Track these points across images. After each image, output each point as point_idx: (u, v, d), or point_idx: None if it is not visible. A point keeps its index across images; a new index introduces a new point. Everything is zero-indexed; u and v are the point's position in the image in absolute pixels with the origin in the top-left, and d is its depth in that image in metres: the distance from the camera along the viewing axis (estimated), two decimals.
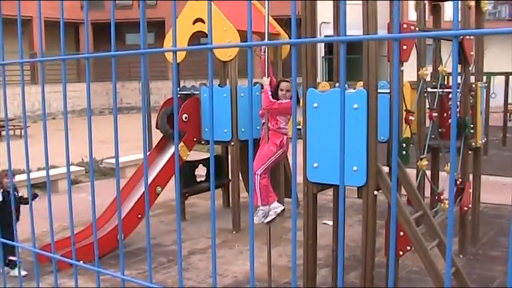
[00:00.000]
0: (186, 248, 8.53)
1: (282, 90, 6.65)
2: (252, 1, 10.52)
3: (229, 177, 10.27)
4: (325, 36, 28.84)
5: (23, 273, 6.78)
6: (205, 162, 10.66)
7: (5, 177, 7.28)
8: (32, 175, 11.31)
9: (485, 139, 9.66)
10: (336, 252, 6.37)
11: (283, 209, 6.78)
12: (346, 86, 5.83)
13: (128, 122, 16.92)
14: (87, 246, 7.91)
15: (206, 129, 9.65)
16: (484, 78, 9.45)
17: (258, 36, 9.37)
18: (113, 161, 14.09)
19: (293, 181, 1.68)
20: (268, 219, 6.70)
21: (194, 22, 9.60)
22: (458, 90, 7.73)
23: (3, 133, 22.17)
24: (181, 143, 9.31)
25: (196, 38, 9.83)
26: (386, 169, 5.90)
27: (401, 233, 6.00)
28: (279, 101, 6.57)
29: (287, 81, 6.82)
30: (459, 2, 7.62)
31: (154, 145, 10.21)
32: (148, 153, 9.96)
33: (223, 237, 9.07)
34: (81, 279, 6.59)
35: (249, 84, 1.68)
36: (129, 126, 13.28)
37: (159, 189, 9.12)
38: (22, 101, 2.56)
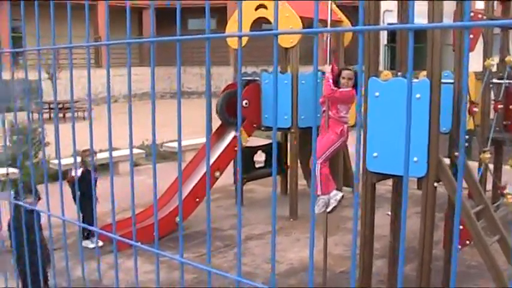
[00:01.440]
0: (243, 233, 8.59)
1: (343, 78, 6.59)
2: None
3: (288, 164, 10.27)
4: (388, 24, 28.43)
5: (100, 243, 7.30)
6: (264, 148, 10.68)
7: (86, 156, 7.92)
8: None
9: None
10: (393, 243, 6.31)
11: (343, 196, 6.73)
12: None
13: (189, 106, 17.09)
14: (145, 228, 8.05)
15: (266, 116, 9.66)
16: None
17: (320, 23, 9.30)
18: (173, 144, 14.27)
19: (356, 170, 1.67)
20: (330, 208, 6.67)
21: (257, 8, 9.61)
22: None
23: (68, 115, 22.72)
24: (241, 129, 9.35)
25: (258, 23, 9.83)
26: (447, 161, 5.80)
27: (461, 227, 5.89)
28: (340, 90, 6.51)
29: (349, 69, 6.75)
30: None
31: (214, 130, 10.29)
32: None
33: (281, 224, 9.09)
34: (139, 260, 6.72)
35: (314, 72, 1.67)
36: (190, 111, 13.41)
37: (217, 174, 9.19)
38: (88, 84, 2.61)
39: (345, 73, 6.63)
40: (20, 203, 3.18)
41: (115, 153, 12.49)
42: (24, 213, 3.22)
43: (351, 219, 8.35)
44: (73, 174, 7.47)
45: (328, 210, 6.67)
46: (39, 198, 4.88)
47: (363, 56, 1.56)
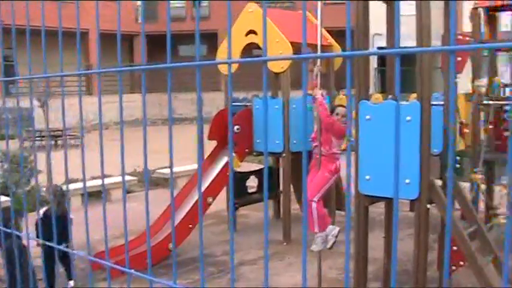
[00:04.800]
0: (237, 259, 8.55)
1: (337, 114, 6.62)
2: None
3: (280, 188, 10.27)
4: (378, 48, 28.65)
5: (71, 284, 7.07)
6: (256, 173, 10.68)
7: (57, 192, 7.19)
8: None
9: None
10: (387, 266, 6.30)
11: (339, 230, 6.74)
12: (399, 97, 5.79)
13: (180, 132, 17.05)
14: (138, 255, 8.00)
15: (258, 141, 9.68)
16: None
17: (310, 48, 9.37)
18: (166, 171, 14.25)
19: (347, 195, 1.68)
20: (330, 244, 6.69)
21: (247, 34, 9.67)
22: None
23: (59, 142, 22.68)
24: (233, 154, 9.36)
25: (249, 49, 9.89)
26: (439, 182, 5.82)
27: (455, 248, 5.90)
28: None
29: (344, 106, 6.78)
30: None
31: (206, 156, 10.29)
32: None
33: (274, 249, 9.06)
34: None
35: (303, 97, 1.69)
36: (181, 137, 13.39)
37: (210, 199, 9.18)
38: (80, 112, 2.62)
39: (339, 109, 6.66)
40: (9, 230, 3.16)
41: (107, 181, 12.45)
42: (14, 241, 3.20)
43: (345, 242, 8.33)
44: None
45: (328, 246, 6.69)
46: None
47: (351, 81, 1.58)
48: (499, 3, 7.94)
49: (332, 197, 9.67)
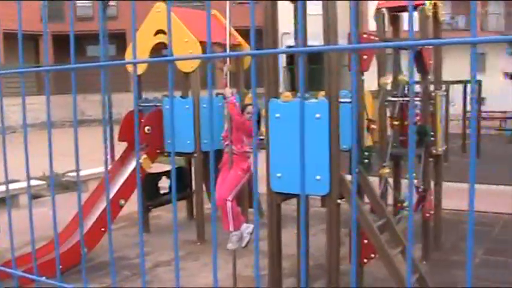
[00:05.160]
0: (151, 261, 8.46)
1: (248, 113, 6.68)
2: (213, 12, 10.54)
3: (193, 188, 10.24)
4: (287, 46, 29.00)
5: None
6: (168, 174, 10.60)
7: None
8: None
9: (446, 146, 9.80)
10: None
11: (253, 227, 6.80)
12: (308, 95, 5.88)
13: (91, 134, 16.75)
14: (50, 261, 7.78)
15: (169, 141, 9.60)
16: (443, 86, 9.60)
17: (220, 47, 9.38)
18: (75, 174, 13.89)
19: (255, 193, 1.69)
20: (245, 242, 6.74)
21: (156, 33, 9.57)
22: (417, 99, 7.86)
23: None
24: (144, 155, 9.25)
25: (158, 49, 9.80)
26: (349, 177, 5.95)
27: (366, 241, 6.05)
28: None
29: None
30: (416, 12, 7.76)
31: (117, 157, 10.13)
32: (110, 165, 9.87)
33: (188, 249, 9.01)
34: None
35: (209, 97, 1.69)
36: (92, 139, 13.14)
37: (122, 202, 9.03)
38: None
39: (249, 108, 6.71)
40: None
41: (14, 186, 12.05)
42: None
43: (261, 239, 8.39)
44: None
45: (243, 245, 6.73)
46: None
47: (256, 80, 1.59)
48: (397, 3, 8.20)
49: (245, 195, 9.72)
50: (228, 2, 7.21)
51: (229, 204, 6.67)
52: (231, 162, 6.73)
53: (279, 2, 6.06)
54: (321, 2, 5.65)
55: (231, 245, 6.76)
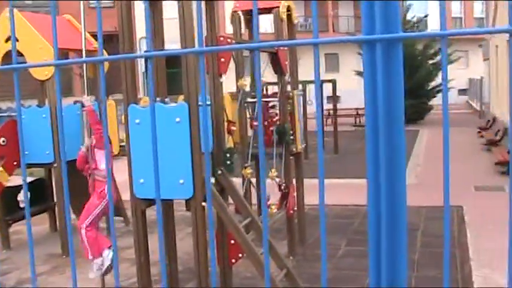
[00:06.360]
0: (15, 278, 8.10)
1: None
2: (67, 17, 10.27)
3: (54, 200, 9.91)
4: (145, 51, 28.72)
5: None
6: (28, 186, 10.18)
7: None
8: None
9: (305, 144, 10.13)
10: (170, 266, 6.36)
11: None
12: (167, 100, 5.86)
13: None
14: None
15: (27, 152, 9.22)
16: (300, 86, 9.91)
17: (77, 53, 9.14)
18: None
19: (110, 204, 1.67)
20: (104, 269, 6.58)
21: (7, 40, 9.18)
22: (276, 99, 8.06)
23: None
24: (1, 168, 8.84)
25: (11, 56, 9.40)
26: (212, 180, 6.00)
27: (232, 242, 6.13)
28: None
29: None
30: (271, 14, 7.94)
31: None
32: None
33: (54, 263, 8.71)
34: None
35: (59, 106, 1.65)
36: None
37: None
38: None
39: None
40: None
41: None
42: None
43: (126, 248, 8.26)
44: None
45: (103, 272, 6.58)
46: None
47: (105, 86, 1.57)
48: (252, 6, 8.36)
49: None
50: (82, 6, 7.06)
51: (83, 232, 6.52)
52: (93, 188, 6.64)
53: (137, 6, 6.00)
54: (176, 5, 5.65)
55: (92, 274, 6.59)
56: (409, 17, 32.01)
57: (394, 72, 1.25)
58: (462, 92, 42.38)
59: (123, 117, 5.82)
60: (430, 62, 29.53)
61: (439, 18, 1.29)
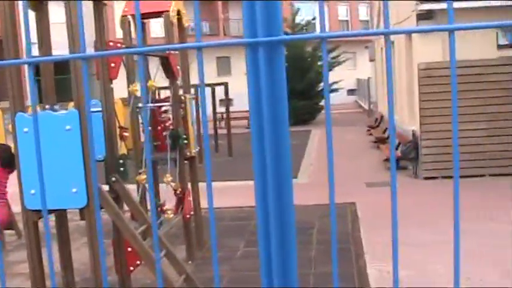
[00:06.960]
0: None
1: None
2: None
3: None
4: (26, 56, 27.86)
5: None
6: None
7: None
8: None
9: (199, 148, 10.14)
10: (66, 278, 6.22)
11: None
12: (57, 107, 5.72)
13: None
14: None
15: None
16: (192, 90, 9.93)
17: None
18: None
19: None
20: None
21: None
22: (168, 103, 8.04)
23: None
24: None
25: None
26: (106, 187, 5.91)
27: (129, 249, 6.06)
28: None
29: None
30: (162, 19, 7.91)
31: None
32: None
33: None
34: None
35: None
36: None
37: None
38: None
39: None
40: None
41: None
42: None
43: (21, 262, 7.98)
44: None
45: None
46: None
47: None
48: (141, 11, 8.30)
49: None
50: None
51: None
52: None
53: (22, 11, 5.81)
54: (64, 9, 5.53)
55: None
56: (298, 20, 32.81)
57: (277, 74, 1.30)
58: (351, 92, 43.85)
59: (10, 126, 5.63)
60: (319, 63, 30.29)
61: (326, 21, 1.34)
